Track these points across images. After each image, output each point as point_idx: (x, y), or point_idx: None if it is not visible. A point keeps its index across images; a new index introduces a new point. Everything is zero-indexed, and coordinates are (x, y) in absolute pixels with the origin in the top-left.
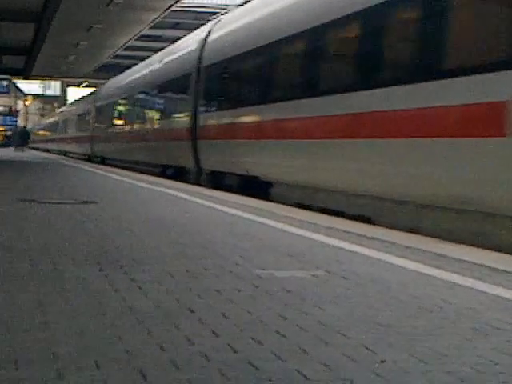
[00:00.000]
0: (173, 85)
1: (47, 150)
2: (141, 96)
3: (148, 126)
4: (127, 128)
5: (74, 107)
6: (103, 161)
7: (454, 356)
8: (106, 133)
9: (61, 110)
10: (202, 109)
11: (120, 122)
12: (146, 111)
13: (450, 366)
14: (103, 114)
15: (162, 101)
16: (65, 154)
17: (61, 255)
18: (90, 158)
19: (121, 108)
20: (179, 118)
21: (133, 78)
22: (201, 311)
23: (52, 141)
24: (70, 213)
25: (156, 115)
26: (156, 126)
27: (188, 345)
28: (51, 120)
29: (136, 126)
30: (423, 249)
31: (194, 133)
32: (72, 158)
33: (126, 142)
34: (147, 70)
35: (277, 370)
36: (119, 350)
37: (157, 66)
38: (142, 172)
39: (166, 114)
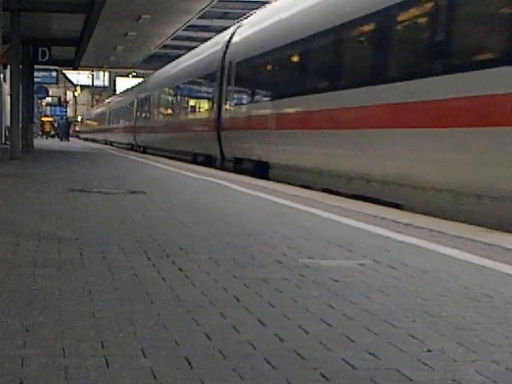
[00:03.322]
0: None
1: (110, 143)
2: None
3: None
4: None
5: (162, 80)
6: (264, 171)
7: (502, 346)
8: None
9: (131, 88)
10: None
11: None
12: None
13: (499, 355)
14: (258, 78)
15: None
16: (143, 150)
17: (109, 244)
18: (211, 160)
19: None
20: None
21: None
22: (247, 300)
23: (116, 130)
24: (118, 202)
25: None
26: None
27: (234, 334)
28: (115, 105)
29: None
30: (472, 238)
31: None
32: (164, 157)
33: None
34: None
35: (323, 359)
36: (166, 339)
37: None
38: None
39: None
